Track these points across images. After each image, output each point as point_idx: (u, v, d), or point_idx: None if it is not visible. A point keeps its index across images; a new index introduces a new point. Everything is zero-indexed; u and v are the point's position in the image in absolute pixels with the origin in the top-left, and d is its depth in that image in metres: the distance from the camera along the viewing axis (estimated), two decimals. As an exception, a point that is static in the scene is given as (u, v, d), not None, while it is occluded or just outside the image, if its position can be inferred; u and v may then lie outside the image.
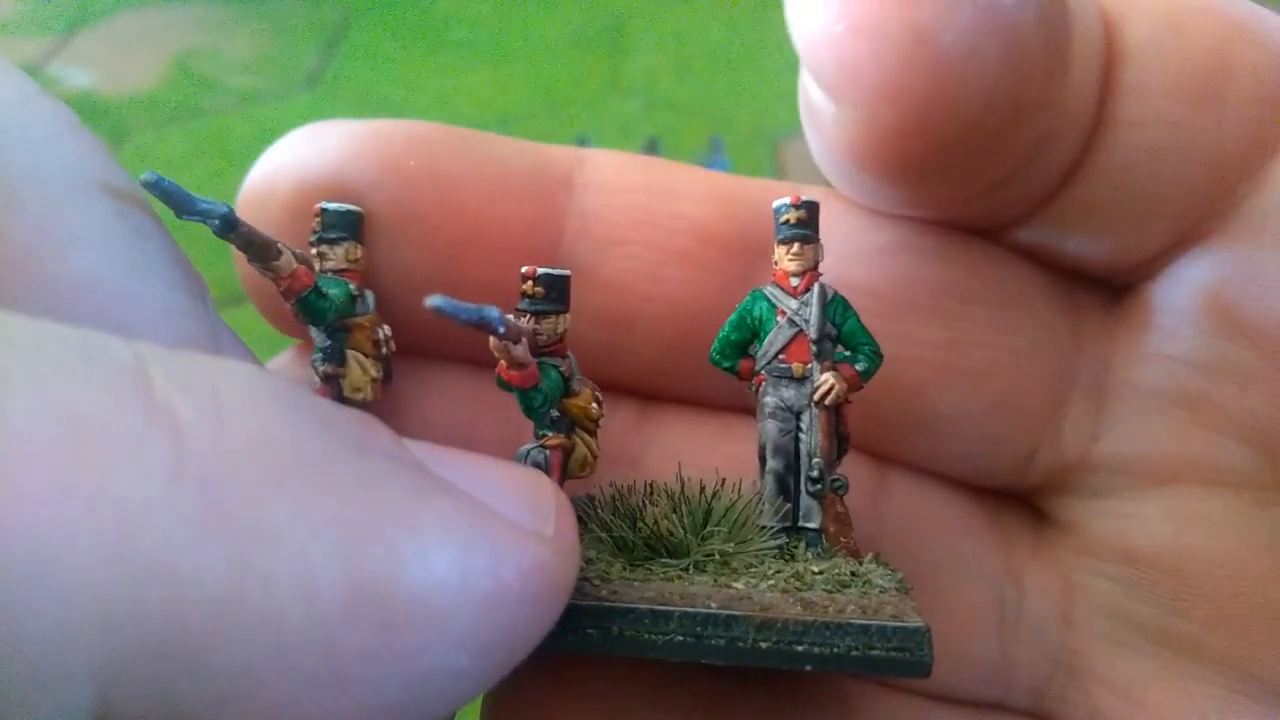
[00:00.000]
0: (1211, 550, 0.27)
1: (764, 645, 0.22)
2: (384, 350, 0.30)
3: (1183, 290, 0.28)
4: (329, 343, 0.29)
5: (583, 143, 1.12)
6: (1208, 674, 0.27)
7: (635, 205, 0.30)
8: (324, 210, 0.29)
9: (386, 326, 0.30)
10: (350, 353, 0.29)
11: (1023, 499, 0.32)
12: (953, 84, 0.22)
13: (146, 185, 0.22)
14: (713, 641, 0.22)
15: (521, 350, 0.25)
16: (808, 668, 0.22)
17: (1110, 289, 0.30)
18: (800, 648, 0.22)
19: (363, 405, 0.29)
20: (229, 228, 0.24)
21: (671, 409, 0.31)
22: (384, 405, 0.30)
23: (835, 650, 0.22)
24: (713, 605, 0.23)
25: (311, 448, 0.17)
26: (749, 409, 0.31)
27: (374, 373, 0.29)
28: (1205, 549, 0.27)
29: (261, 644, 0.15)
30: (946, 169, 0.25)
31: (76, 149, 0.22)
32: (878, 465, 0.30)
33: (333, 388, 0.28)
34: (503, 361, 0.25)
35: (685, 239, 0.30)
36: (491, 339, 0.24)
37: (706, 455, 0.28)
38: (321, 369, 0.28)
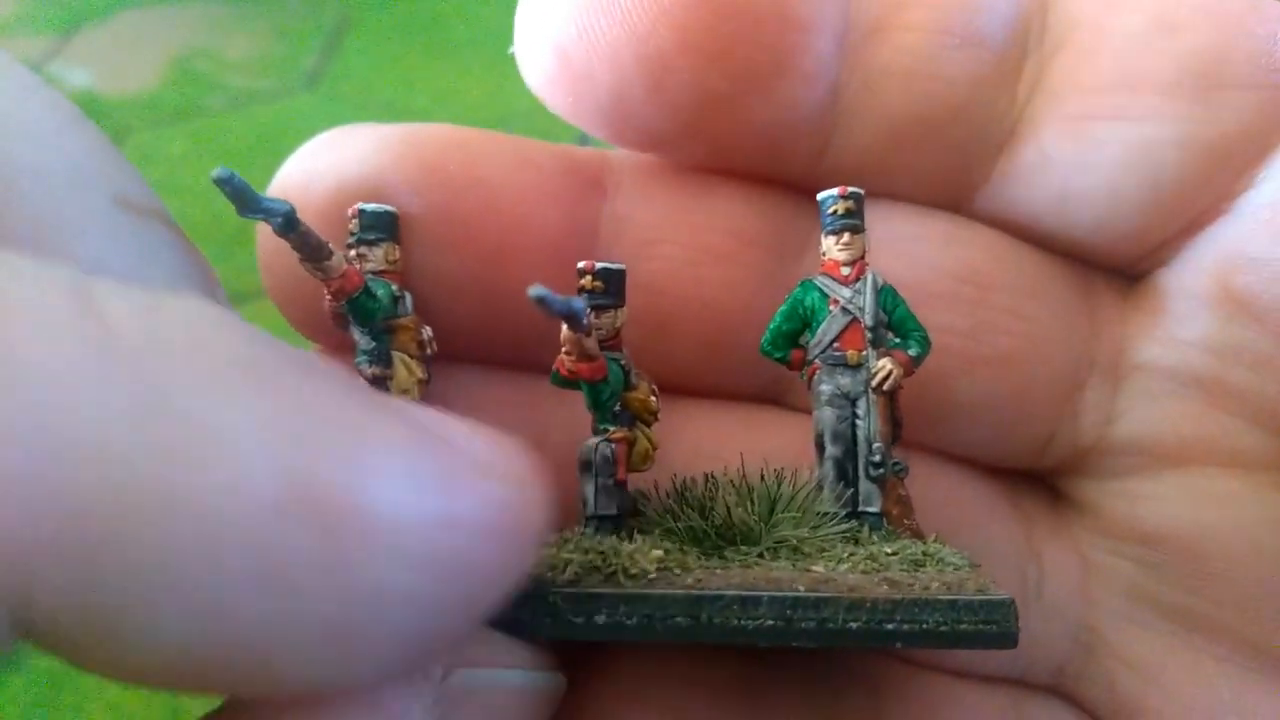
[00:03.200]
0: (1226, 530, 0.28)
1: (854, 625, 0.22)
2: (427, 351, 0.29)
3: (1194, 276, 0.29)
4: (374, 345, 0.28)
5: (583, 141, 1.15)
6: (1223, 652, 0.28)
7: (668, 205, 0.30)
8: (362, 211, 0.28)
9: (428, 328, 0.29)
10: (396, 354, 0.28)
11: (1041, 480, 0.33)
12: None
13: (217, 181, 0.22)
14: (803, 624, 0.22)
15: (593, 343, 0.24)
16: (897, 645, 0.23)
17: (1126, 276, 0.31)
18: (890, 626, 0.22)
19: (409, 407, 0.29)
20: (289, 227, 0.24)
21: (694, 402, 0.31)
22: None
23: (924, 626, 0.23)
24: (800, 588, 0.23)
25: (254, 354, 0.16)
26: (773, 400, 0.31)
27: (420, 374, 0.29)
28: (1220, 529, 0.28)
29: (188, 535, 0.14)
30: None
31: (79, 141, 0.22)
32: (900, 451, 0.31)
33: (381, 389, 0.28)
34: (567, 357, 0.25)
35: (720, 237, 0.30)
36: (564, 332, 0.24)
37: (730, 447, 0.29)
38: (369, 371, 0.28)
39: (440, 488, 0.17)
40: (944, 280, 0.29)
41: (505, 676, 0.21)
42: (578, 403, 0.28)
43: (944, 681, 0.30)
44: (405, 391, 0.28)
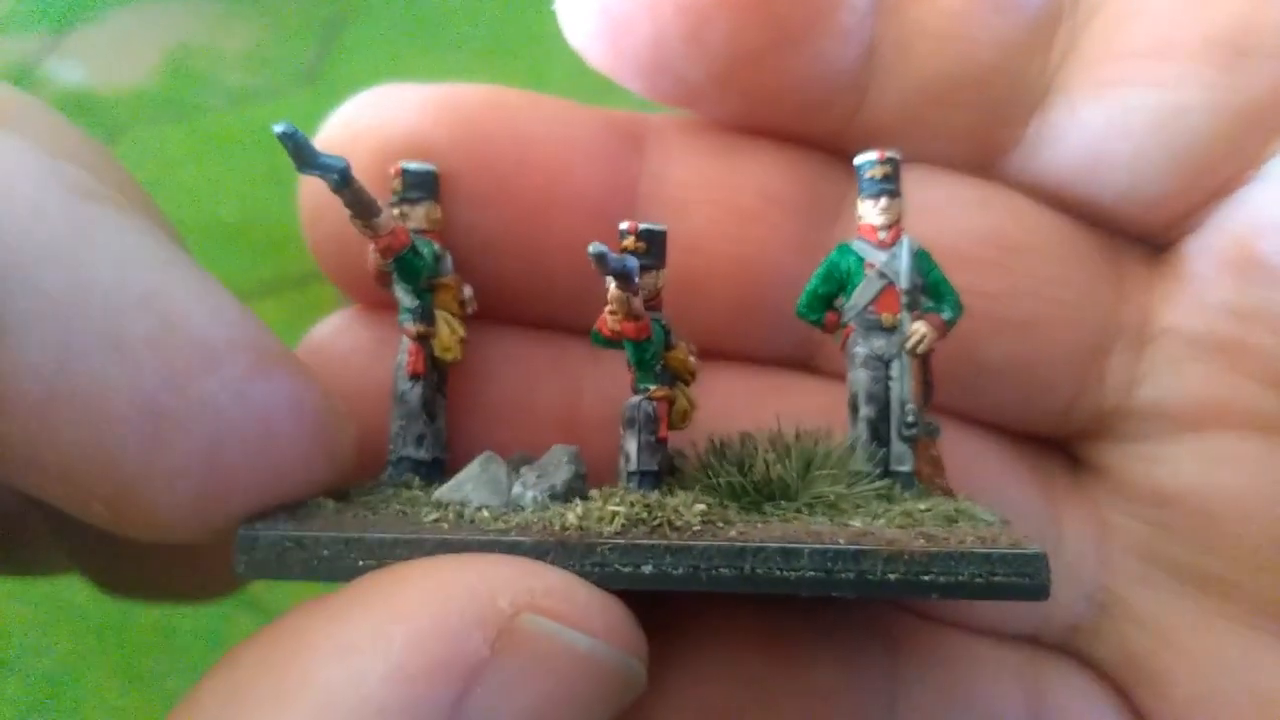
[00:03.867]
0: (1240, 491, 0.29)
1: (892, 577, 0.23)
2: (468, 310, 0.30)
3: (1219, 241, 0.30)
4: (417, 303, 0.28)
5: None
6: (1234, 612, 0.29)
7: (704, 166, 0.31)
8: (405, 170, 0.29)
9: (469, 286, 0.30)
10: (439, 312, 0.29)
11: (1062, 447, 0.33)
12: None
13: (280, 135, 0.22)
14: (843, 575, 0.23)
15: (639, 303, 0.25)
16: (934, 596, 0.23)
17: (1153, 245, 0.32)
18: (926, 577, 0.23)
19: (452, 364, 0.29)
20: (344, 183, 0.24)
21: (722, 365, 0.32)
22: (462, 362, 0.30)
23: (959, 578, 0.23)
24: (841, 541, 0.23)
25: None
26: (803, 365, 0.32)
27: (461, 332, 0.29)
28: (1234, 490, 0.29)
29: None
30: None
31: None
32: (930, 414, 0.31)
33: (424, 347, 0.28)
34: (612, 316, 0.26)
35: (751, 198, 0.30)
36: (612, 290, 0.24)
37: (763, 410, 0.29)
38: (414, 329, 0.28)
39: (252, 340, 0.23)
40: (973, 244, 0.30)
41: (570, 635, 0.21)
42: (611, 364, 0.29)
43: (959, 637, 0.31)
44: (448, 349, 0.29)
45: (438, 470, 0.29)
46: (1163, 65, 0.29)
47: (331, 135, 0.29)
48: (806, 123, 0.30)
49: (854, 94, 0.29)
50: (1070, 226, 0.31)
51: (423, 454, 0.28)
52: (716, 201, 0.30)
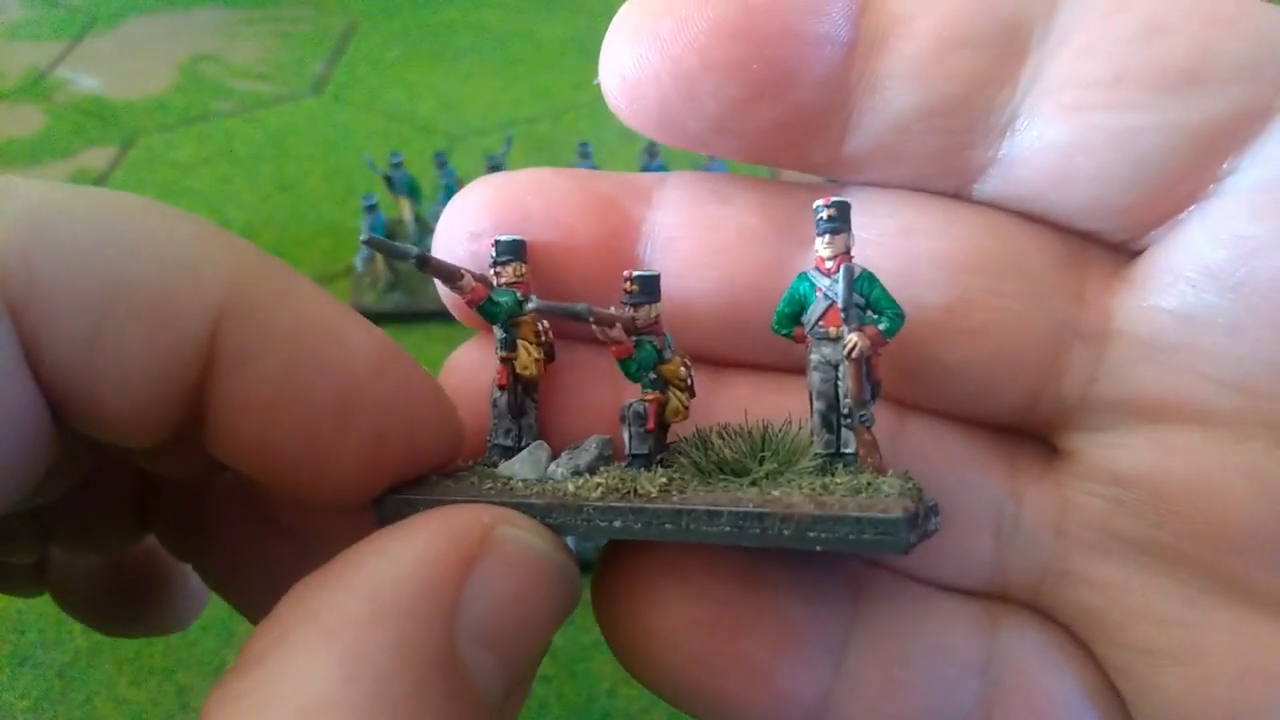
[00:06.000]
0: (1190, 475, 0.32)
1: (786, 532, 0.31)
2: (544, 338, 0.41)
3: (1179, 251, 0.33)
4: (504, 335, 0.40)
5: (584, 149, 1.19)
6: (1181, 575, 0.33)
7: (692, 211, 0.38)
8: (497, 241, 0.40)
9: (545, 321, 0.41)
10: (520, 342, 0.40)
11: (1029, 433, 0.37)
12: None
13: (367, 243, 0.34)
14: (750, 531, 0.31)
15: (616, 332, 0.34)
16: (817, 549, 0.31)
17: (1118, 252, 0.35)
18: (811, 534, 0.30)
19: (531, 379, 0.40)
20: (423, 263, 0.36)
21: (736, 372, 0.40)
22: (550, 373, 0.41)
23: (836, 535, 0.30)
24: (750, 506, 0.31)
25: None
26: (800, 371, 0.39)
27: (536, 355, 0.40)
28: (1184, 474, 0.32)
29: None
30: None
31: None
32: (899, 411, 0.37)
33: (508, 366, 0.40)
34: (608, 343, 0.35)
35: (731, 235, 0.38)
36: (594, 326, 0.34)
37: (766, 407, 0.37)
38: (500, 354, 0.40)
39: None
40: (923, 266, 0.35)
41: (532, 540, 0.33)
42: None
43: (923, 590, 0.36)
44: (526, 368, 0.40)
45: (524, 455, 0.40)
46: (1122, 92, 0.32)
47: (446, 220, 0.41)
48: (798, 157, 0.37)
49: (836, 132, 0.35)
50: (1034, 239, 0.35)
51: (509, 442, 0.40)
52: (699, 238, 0.38)
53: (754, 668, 0.35)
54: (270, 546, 0.44)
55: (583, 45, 1.58)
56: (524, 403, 0.40)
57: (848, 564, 0.37)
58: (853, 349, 0.34)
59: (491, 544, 0.31)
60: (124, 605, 0.50)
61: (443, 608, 0.29)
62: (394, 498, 0.36)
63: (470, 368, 0.43)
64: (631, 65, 0.35)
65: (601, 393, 0.41)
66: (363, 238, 0.34)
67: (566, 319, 0.33)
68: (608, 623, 0.38)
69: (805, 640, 0.35)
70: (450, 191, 1.20)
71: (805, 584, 0.36)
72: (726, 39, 0.33)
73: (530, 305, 0.31)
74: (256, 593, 0.43)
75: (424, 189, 1.28)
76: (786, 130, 0.35)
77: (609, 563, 0.38)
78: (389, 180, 1.23)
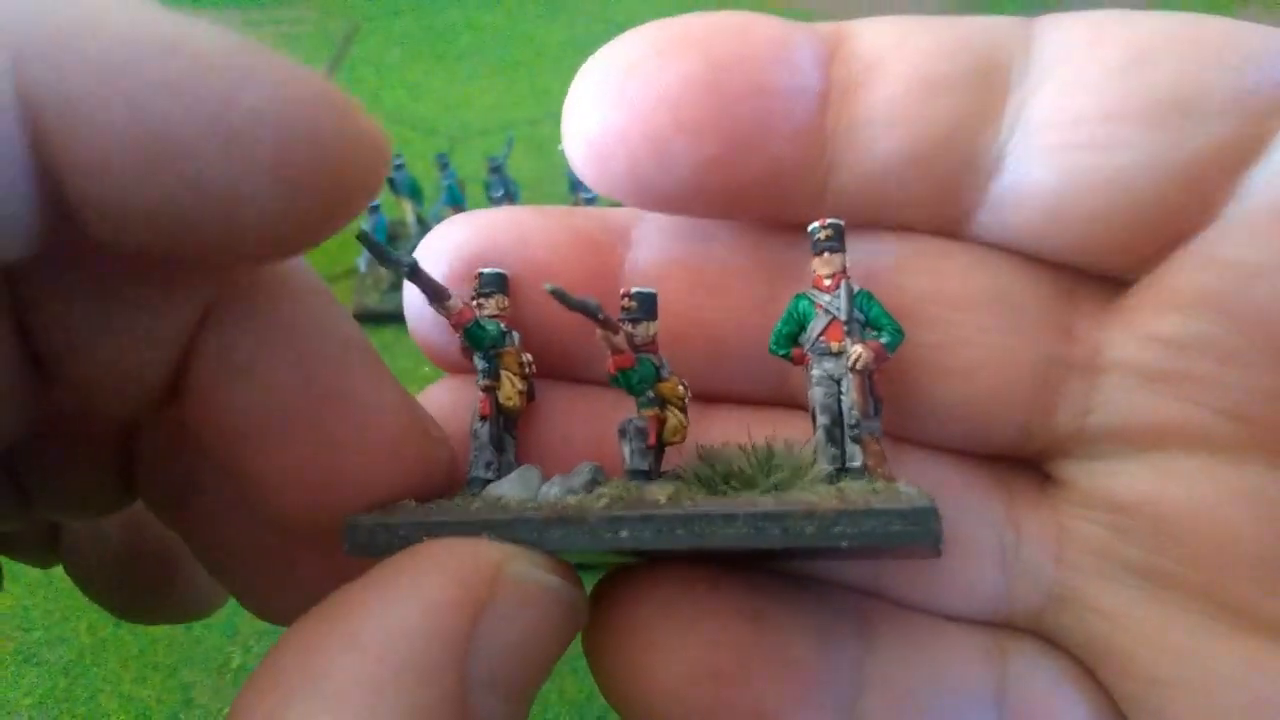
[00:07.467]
0: (1188, 501, 0.32)
1: (809, 530, 0.29)
2: (527, 370, 0.39)
3: (1173, 281, 0.32)
4: (487, 365, 0.38)
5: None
6: (1182, 600, 0.32)
7: (676, 251, 0.38)
8: (480, 273, 0.39)
9: (528, 354, 0.39)
10: (503, 372, 0.39)
11: (1029, 463, 0.37)
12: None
13: (360, 238, 0.33)
14: (770, 532, 0.30)
15: (620, 339, 0.34)
16: (844, 545, 0.29)
17: (1110, 284, 0.35)
18: (836, 529, 0.29)
19: (513, 411, 0.39)
20: (414, 273, 0.35)
21: (727, 407, 0.39)
22: (528, 413, 0.39)
23: (862, 529, 0.29)
24: (769, 506, 0.30)
25: None
26: (788, 404, 0.38)
27: (520, 386, 0.39)
28: (1183, 500, 0.32)
29: None
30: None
31: None
32: (894, 444, 0.37)
33: (491, 396, 0.38)
34: (609, 351, 0.34)
35: (715, 274, 0.38)
36: (598, 330, 0.33)
37: (759, 439, 0.35)
38: (482, 383, 0.38)
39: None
40: (911, 300, 0.35)
41: (540, 575, 0.30)
42: (630, 407, 0.37)
43: (930, 621, 0.35)
44: (509, 399, 0.38)
45: (503, 489, 0.38)
46: (1110, 128, 0.31)
47: (427, 249, 0.40)
48: (777, 209, 0.36)
49: (815, 180, 0.35)
50: (1025, 275, 0.36)
51: (490, 475, 0.37)
52: (684, 277, 0.37)
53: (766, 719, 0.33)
54: (254, 521, 0.39)
55: (584, 47, 1.57)
56: (503, 438, 0.39)
57: (854, 600, 0.36)
58: (857, 359, 0.34)
59: (501, 585, 0.29)
60: (141, 586, 0.45)
61: (454, 659, 0.27)
62: (364, 522, 0.33)
63: (439, 411, 0.41)
64: (598, 127, 0.34)
65: (584, 432, 0.39)
66: (356, 234, 0.33)
67: (577, 311, 0.32)
68: (604, 674, 0.34)
69: (817, 684, 0.33)
70: (452, 192, 1.20)
71: (813, 623, 0.34)
72: (697, 96, 0.32)
73: (549, 286, 0.30)
74: (241, 568, 0.39)
75: (426, 190, 1.28)
76: (764, 185, 0.35)
77: (602, 606, 0.35)
78: (391, 182, 1.22)
